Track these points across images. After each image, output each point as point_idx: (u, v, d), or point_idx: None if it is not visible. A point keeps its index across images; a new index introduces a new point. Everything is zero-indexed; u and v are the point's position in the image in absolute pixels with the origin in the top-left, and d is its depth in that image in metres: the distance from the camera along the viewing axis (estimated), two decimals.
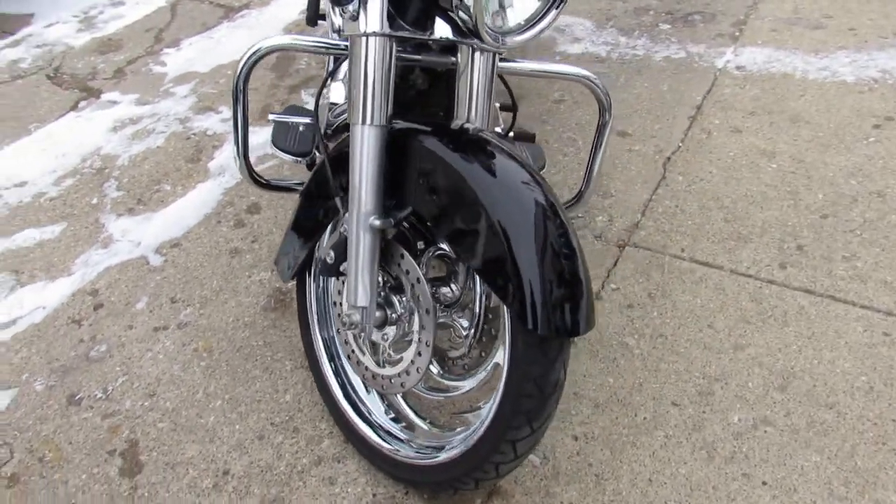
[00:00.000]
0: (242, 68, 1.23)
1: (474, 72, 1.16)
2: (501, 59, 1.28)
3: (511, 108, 1.99)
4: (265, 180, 1.42)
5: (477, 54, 1.11)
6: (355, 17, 1.06)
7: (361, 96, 1.08)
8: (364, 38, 1.06)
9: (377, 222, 1.11)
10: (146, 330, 1.68)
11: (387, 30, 1.05)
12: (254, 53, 1.22)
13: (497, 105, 1.57)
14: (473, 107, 1.20)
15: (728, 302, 1.63)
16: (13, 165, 2.30)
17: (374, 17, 1.04)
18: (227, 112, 2.48)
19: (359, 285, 1.14)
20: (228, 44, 2.96)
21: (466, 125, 1.17)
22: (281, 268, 1.41)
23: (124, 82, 2.74)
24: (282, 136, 1.53)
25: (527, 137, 1.66)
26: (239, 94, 1.26)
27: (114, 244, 1.95)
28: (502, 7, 1.07)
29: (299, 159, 1.56)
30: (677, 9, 2.92)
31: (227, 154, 2.28)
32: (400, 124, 1.16)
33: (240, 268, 1.85)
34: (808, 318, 1.57)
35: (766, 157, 2.08)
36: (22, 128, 2.50)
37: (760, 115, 2.25)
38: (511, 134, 1.53)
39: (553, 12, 1.09)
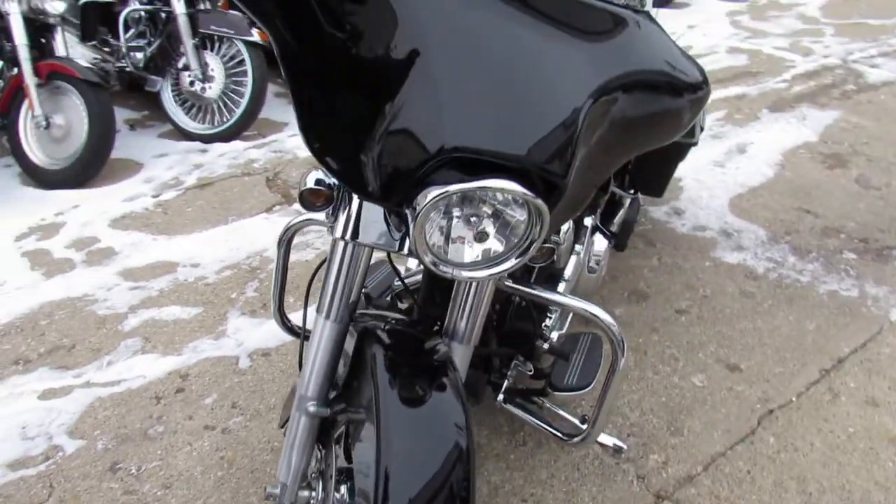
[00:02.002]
0: (285, 234, 1.41)
1: (465, 289, 1.18)
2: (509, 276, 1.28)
3: None
4: (297, 327, 1.56)
5: None
6: (334, 219, 1.15)
7: (328, 291, 1.16)
8: (334, 240, 1.15)
9: (312, 408, 1.16)
10: (199, 425, 1.89)
11: (355, 239, 1.12)
12: (295, 223, 1.39)
13: None
14: (462, 325, 1.22)
15: None
16: (199, 248, 2.78)
17: (344, 225, 1.13)
18: None
19: (284, 461, 1.20)
20: None
21: (440, 346, 1.18)
22: (280, 411, 1.52)
23: None
24: None
25: (561, 355, 1.60)
26: (281, 251, 1.43)
27: (223, 338, 2.24)
28: (454, 239, 1.05)
29: None
30: (876, 238, 2.58)
31: None
32: (368, 323, 1.21)
33: None
34: None
35: (895, 447, 1.71)
36: (224, 218, 3.00)
37: None
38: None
39: (514, 260, 1.07)
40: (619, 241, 2.07)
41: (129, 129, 4.09)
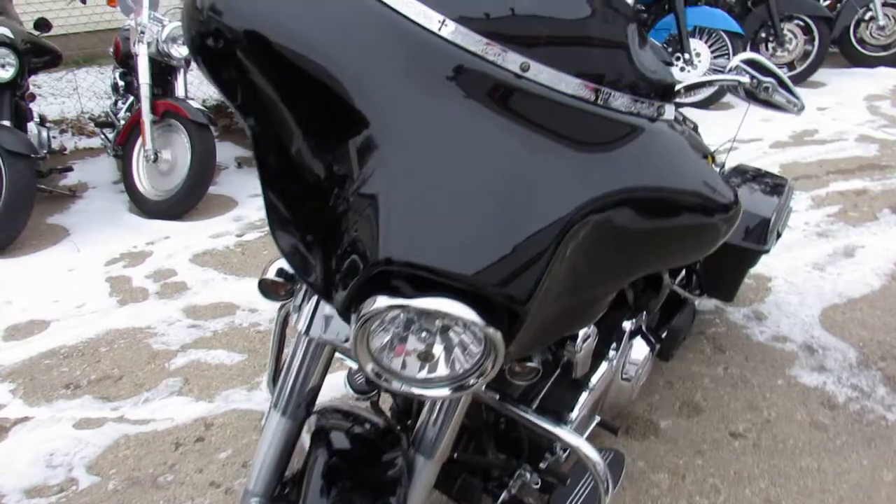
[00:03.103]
0: (281, 310, 1.40)
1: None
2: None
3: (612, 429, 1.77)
4: None
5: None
6: (298, 311, 1.11)
7: (284, 384, 1.12)
8: (298, 333, 1.11)
9: (254, 500, 1.12)
10: (206, 480, 1.89)
11: (314, 334, 1.08)
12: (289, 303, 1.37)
13: None
14: (429, 437, 1.14)
15: None
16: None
17: (304, 318, 1.08)
18: None
19: None
20: None
21: (398, 459, 1.11)
22: None
23: None
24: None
25: (560, 478, 1.46)
26: (277, 326, 1.42)
27: (255, 391, 2.25)
28: (409, 351, 0.98)
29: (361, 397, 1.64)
30: None
31: None
32: (330, 420, 1.16)
33: None
34: None
35: None
36: None
37: None
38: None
39: (473, 380, 0.97)
40: (664, 350, 1.89)
41: (236, 166, 4.33)
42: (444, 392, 0.93)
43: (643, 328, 1.83)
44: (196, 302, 2.79)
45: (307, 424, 1.17)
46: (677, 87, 1.18)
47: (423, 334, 0.93)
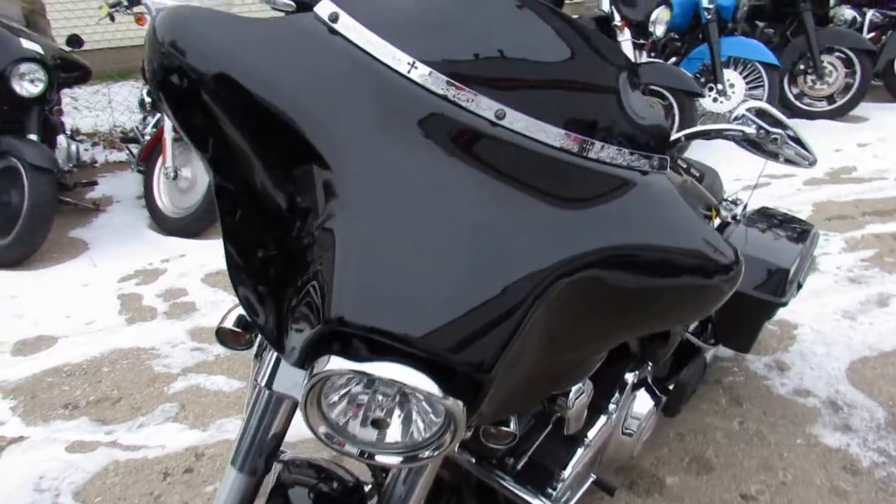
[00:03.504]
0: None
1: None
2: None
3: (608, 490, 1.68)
4: None
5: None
6: (258, 363, 1.05)
7: (242, 439, 1.06)
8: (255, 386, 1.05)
9: None
10: None
11: (270, 387, 1.02)
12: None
13: None
14: (396, 496, 1.07)
15: None
16: None
17: (263, 370, 1.03)
18: None
19: None
20: None
21: None
22: None
23: None
24: None
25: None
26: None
27: None
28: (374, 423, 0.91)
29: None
30: None
31: None
32: (292, 475, 1.10)
33: None
34: None
35: None
36: None
37: None
38: None
39: (428, 453, 0.90)
40: (670, 405, 1.79)
41: None
42: (396, 461, 0.86)
43: (648, 380, 1.73)
44: (203, 324, 2.77)
45: (270, 474, 1.11)
46: (674, 137, 1.10)
47: (380, 398, 0.87)
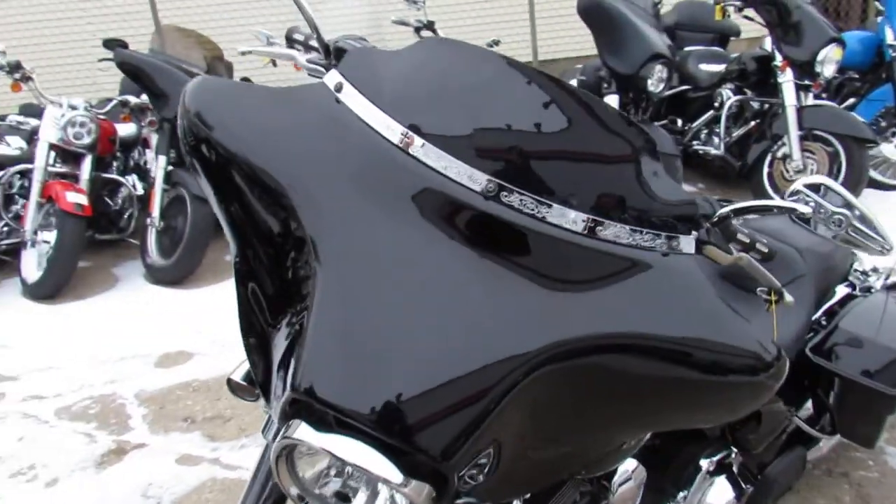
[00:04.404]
0: None
1: None
2: None
3: None
4: None
5: None
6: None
7: (253, 491, 1.10)
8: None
9: None
10: None
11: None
12: None
13: None
14: None
15: None
16: None
17: (269, 424, 1.06)
18: None
19: None
20: None
21: None
22: None
23: None
24: None
25: None
26: None
27: None
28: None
29: None
30: None
31: None
32: None
33: None
34: None
35: None
36: None
37: None
38: None
39: None
40: (757, 499, 1.58)
41: None
42: None
43: (733, 467, 1.56)
44: None
45: None
46: (721, 213, 1.00)
47: (348, 470, 0.87)
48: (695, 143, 4.46)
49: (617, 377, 0.87)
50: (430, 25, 4.07)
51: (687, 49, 4.86)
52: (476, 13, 6.23)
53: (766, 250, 1.04)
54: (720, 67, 4.43)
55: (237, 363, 1.14)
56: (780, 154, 3.91)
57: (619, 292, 0.86)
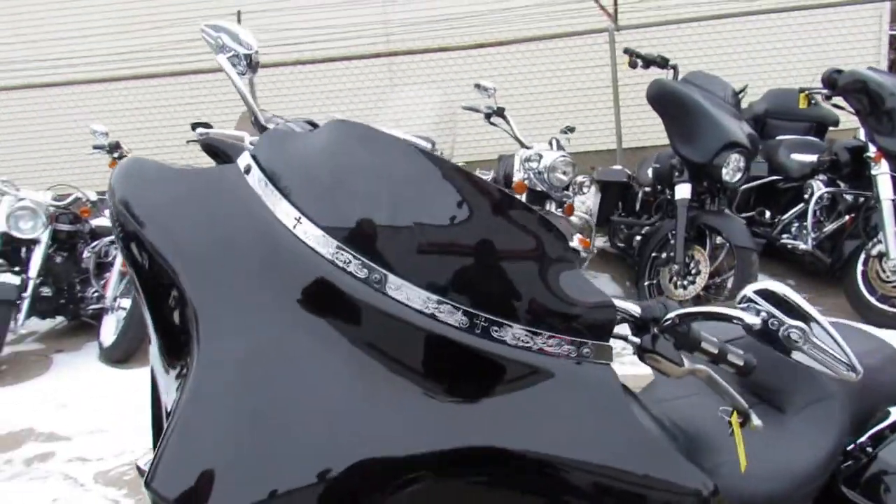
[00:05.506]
0: None
1: None
2: None
3: None
4: None
5: None
6: None
7: None
8: None
9: None
10: None
11: None
12: None
13: None
14: None
15: None
16: None
17: None
18: None
19: None
20: None
21: None
22: None
23: None
24: None
25: None
26: None
27: None
28: None
29: None
30: None
31: None
32: None
33: None
34: None
35: None
36: None
37: None
38: None
39: None
40: None
41: None
42: None
43: None
44: None
45: None
46: (670, 316, 0.87)
47: None
48: (784, 236, 4.16)
49: (504, 496, 0.76)
50: (500, 112, 4.10)
51: (778, 138, 4.63)
52: (558, 101, 6.27)
53: (740, 363, 0.90)
54: (812, 158, 4.16)
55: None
56: (874, 252, 3.56)
57: (514, 402, 0.76)
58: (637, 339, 0.86)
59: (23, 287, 3.82)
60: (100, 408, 3.27)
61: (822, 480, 1.28)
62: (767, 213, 4.39)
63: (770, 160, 4.50)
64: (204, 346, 0.80)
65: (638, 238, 4.28)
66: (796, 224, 4.13)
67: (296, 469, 0.72)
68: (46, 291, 4.01)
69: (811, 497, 1.28)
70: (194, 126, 4.15)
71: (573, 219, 4.04)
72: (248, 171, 0.92)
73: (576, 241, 3.63)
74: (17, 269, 3.89)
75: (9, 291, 3.71)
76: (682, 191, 3.62)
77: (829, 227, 3.90)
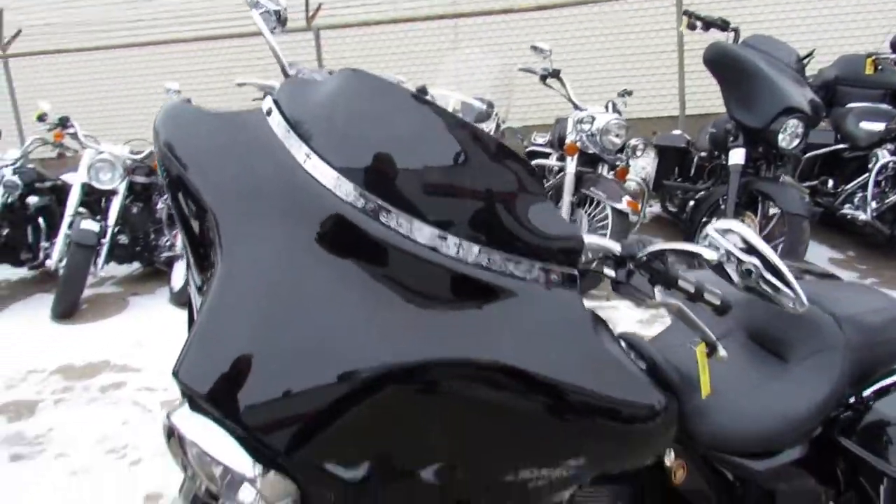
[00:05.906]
0: None
1: None
2: None
3: None
4: None
5: None
6: None
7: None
8: None
9: None
10: None
11: None
12: None
13: None
14: None
15: None
16: None
17: None
18: None
19: None
20: None
21: None
22: None
23: None
24: None
25: None
26: None
27: None
28: None
29: None
30: None
31: None
32: None
33: None
34: None
35: None
36: None
37: None
38: None
39: None
40: None
41: None
42: None
43: None
44: None
45: None
46: (647, 251, 0.95)
47: None
48: (846, 206, 4.05)
49: (476, 401, 0.86)
50: (555, 73, 4.10)
51: (848, 106, 4.46)
52: (620, 65, 6.18)
53: (717, 302, 0.97)
54: (880, 126, 4.01)
55: None
56: None
57: (486, 318, 0.85)
58: (612, 273, 0.94)
59: (102, 234, 4.13)
60: (169, 345, 3.53)
61: (815, 424, 1.32)
62: (830, 183, 4.26)
63: (838, 128, 4.35)
64: (227, 258, 0.93)
65: (691, 203, 4.25)
66: (859, 194, 4.01)
67: (285, 366, 0.82)
68: (123, 239, 4.32)
69: (804, 441, 1.33)
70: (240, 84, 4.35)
71: (628, 183, 4.04)
72: (269, 113, 1.04)
73: (624, 204, 3.63)
74: (97, 217, 4.20)
75: (89, 237, 4.03)
76: (736, 156, 3.57)
77: (892, 199, 3.78)
